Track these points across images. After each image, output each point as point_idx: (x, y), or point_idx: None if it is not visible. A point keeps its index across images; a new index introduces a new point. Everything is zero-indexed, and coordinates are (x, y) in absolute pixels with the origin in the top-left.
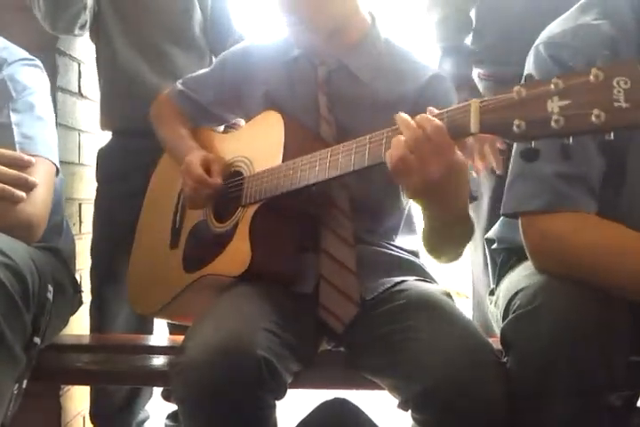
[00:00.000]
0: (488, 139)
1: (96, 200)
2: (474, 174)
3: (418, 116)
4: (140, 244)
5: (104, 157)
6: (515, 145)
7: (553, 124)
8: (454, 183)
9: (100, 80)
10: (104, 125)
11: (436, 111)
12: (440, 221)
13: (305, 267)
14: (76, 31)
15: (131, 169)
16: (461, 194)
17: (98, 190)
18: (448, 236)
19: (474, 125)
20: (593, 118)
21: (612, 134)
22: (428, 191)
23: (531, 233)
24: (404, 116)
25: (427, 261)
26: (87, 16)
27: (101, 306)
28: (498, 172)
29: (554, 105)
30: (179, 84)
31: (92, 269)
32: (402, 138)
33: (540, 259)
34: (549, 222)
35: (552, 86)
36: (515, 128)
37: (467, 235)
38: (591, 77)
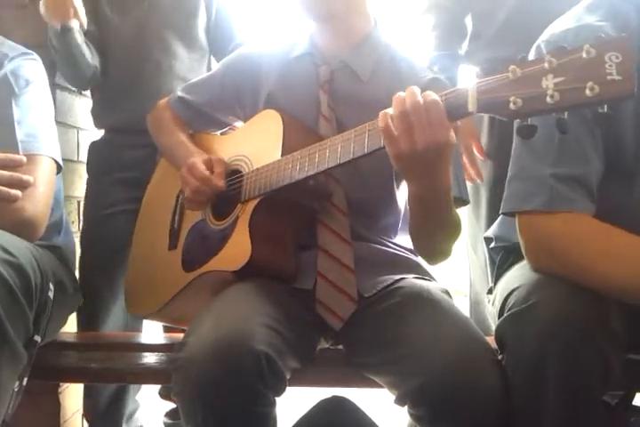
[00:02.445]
0: (465, 150)
1: (87, 193)
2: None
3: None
4: (137, 247)
5: (96, 150)
6: (513, 145)
7: (548, 99)
8: (438, 160)
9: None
10: (100, 124)
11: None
12: (424, 204)
13: (305, 263)
14: (89, 86)
15: (124, 162)
16: (444, 173)
17: (88, 183)
18: (433, 223)
19: (471, 105)
20: (587, 92)
21: (605, 107)
22: (412, 162)
23: (526, 232)
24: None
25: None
26: (98, 75)
27: (92, 301)
28: (478, 181)
29: (548, 82)
30: (178, 91)
31: (80, 261)
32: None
33: (533, 258)
34: (544, 222)
35: (546, 64)
36: (511, 105)
37: (453, 226)
38: (583, 54)
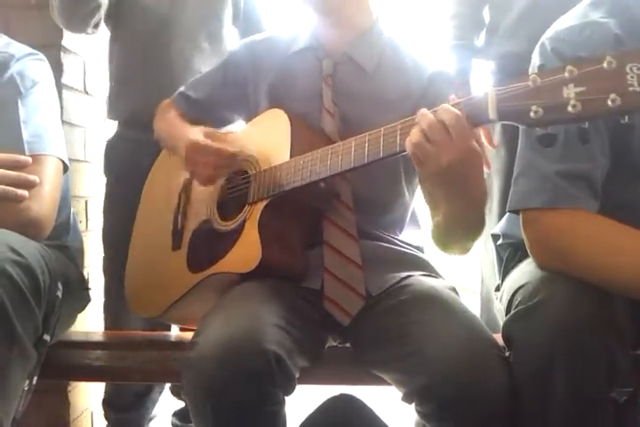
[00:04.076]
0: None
1: (106, 194)
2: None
3: (439, 107)
4: (137, 247)
5: (115, 149)
6: (519, 143)
7: (570, 109)
8: (465, 171)
9: (114, 68)
10: (115, 112)
11: (455, 100)
12: (449, 211)
13: (313, 262)
14: (89, 30)
15: (143, 158)
16: (472, 183)
17: (108, 184)
18: (456, 226)
19: (492, 113)
20: (609, 102)
21: (626, 117)
22: (440, 177)
23: (530, 230)
24: (423, 109)
25: (432, 256)
26: (101, 15)
27: (117, 301)
28: (486, 170)
29: (570, 91)
30: (181, 88)
31: (105, 262)
32: (420, 126)
33: (538, 255)
34: (548, 219)
35: (567, 74)
36: (532, 114)
37: (477, 228)
38: (604, 64)
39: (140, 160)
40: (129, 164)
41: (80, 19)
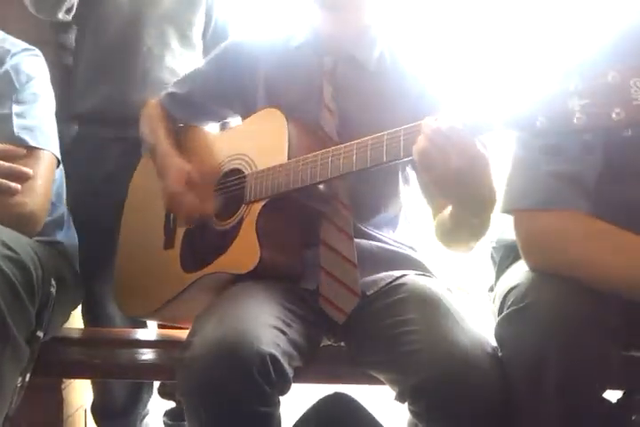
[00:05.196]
0: None
1: (69, 194)
2: None
3: (440, 117)
4: (126, 246)
5: (75, 146)
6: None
7: (575, 120)
8: (472, 176)
9: (82, 65)
10: (75, 109)
11: (459, 108)
12: (455, 214)
13: (308, 261)
14: (61, 15)
15: (106, 155)
16: (479, 188)
17: (72, 183)
18: (462, 228)
19: (496, 123)
20: (613, 115)
21: (629, 130)
22: (447, 183)
23: (522, 231)
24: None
25: (427, 256)
26: (73, 1)
27: (93, 304)
28: None
29: (574, 103)
30: (169, 87)
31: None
32: (425, 133)
33: (530, 256)
34: (540, 220)
35: (571, 86)
36: (538, 124)
37: (482, 229)
38: (609, 78)
39: (102, 157)
40: (91, 162)
41: (50, 4)
